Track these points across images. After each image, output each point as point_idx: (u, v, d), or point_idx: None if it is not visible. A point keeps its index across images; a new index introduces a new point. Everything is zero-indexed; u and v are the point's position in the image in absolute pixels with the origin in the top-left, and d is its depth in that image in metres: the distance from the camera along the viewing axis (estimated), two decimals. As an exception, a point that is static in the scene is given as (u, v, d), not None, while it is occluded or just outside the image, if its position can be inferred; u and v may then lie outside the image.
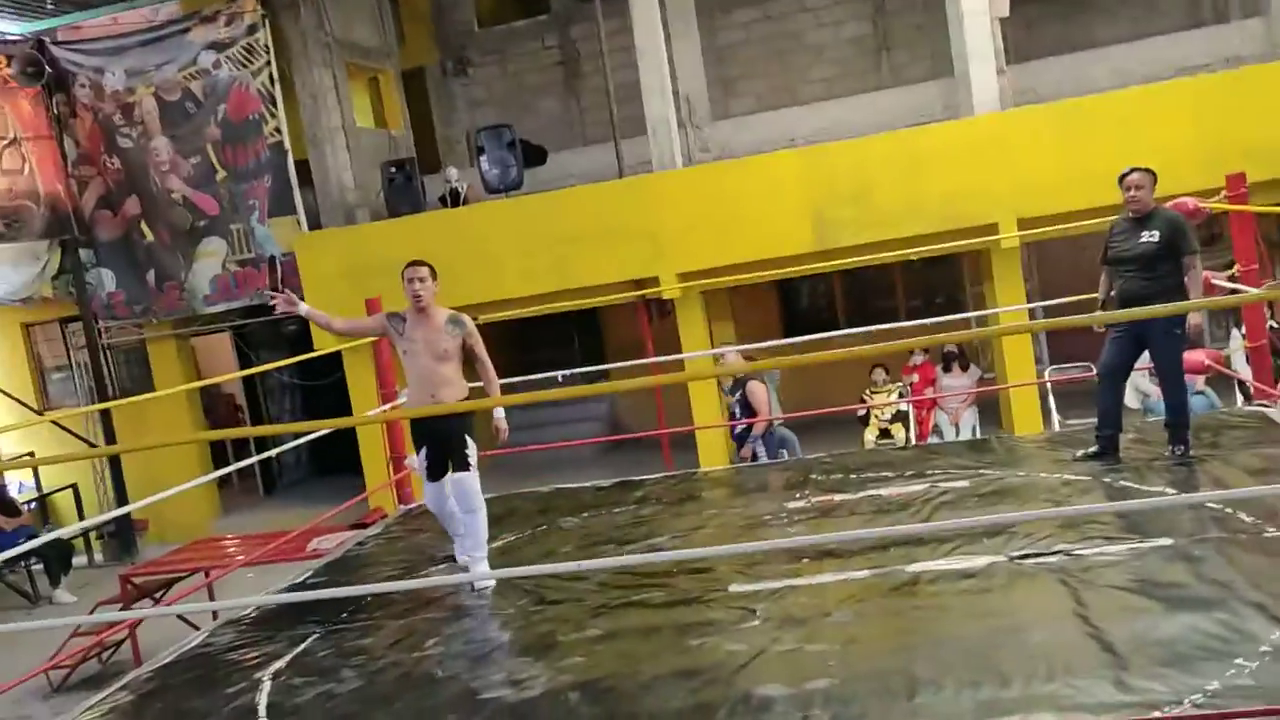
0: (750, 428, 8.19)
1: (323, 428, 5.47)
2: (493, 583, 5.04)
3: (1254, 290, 6.19)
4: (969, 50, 9.69)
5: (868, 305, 13.15)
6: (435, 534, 6.57)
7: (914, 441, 9.67)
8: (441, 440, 5.15)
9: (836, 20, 12.65)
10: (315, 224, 11.40)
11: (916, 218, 9.38)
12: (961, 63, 9.95)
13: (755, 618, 4.17)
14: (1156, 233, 5.38)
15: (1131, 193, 5.47)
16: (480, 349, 5.22)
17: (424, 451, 5.20)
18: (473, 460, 5.13)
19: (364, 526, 7.48)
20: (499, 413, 5.25)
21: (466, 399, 5.12)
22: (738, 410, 8.23)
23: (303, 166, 11.32)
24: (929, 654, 3.58)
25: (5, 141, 10.98)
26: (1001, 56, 9.90)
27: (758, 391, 8.10)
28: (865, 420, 10.21)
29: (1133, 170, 5.51)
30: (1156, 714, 2.97)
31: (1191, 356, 6.11)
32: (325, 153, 11.37)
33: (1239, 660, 3.18)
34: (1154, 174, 5.50)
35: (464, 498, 5.13)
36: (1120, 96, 9.32)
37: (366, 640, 4.61)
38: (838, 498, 5.83)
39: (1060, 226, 8.53)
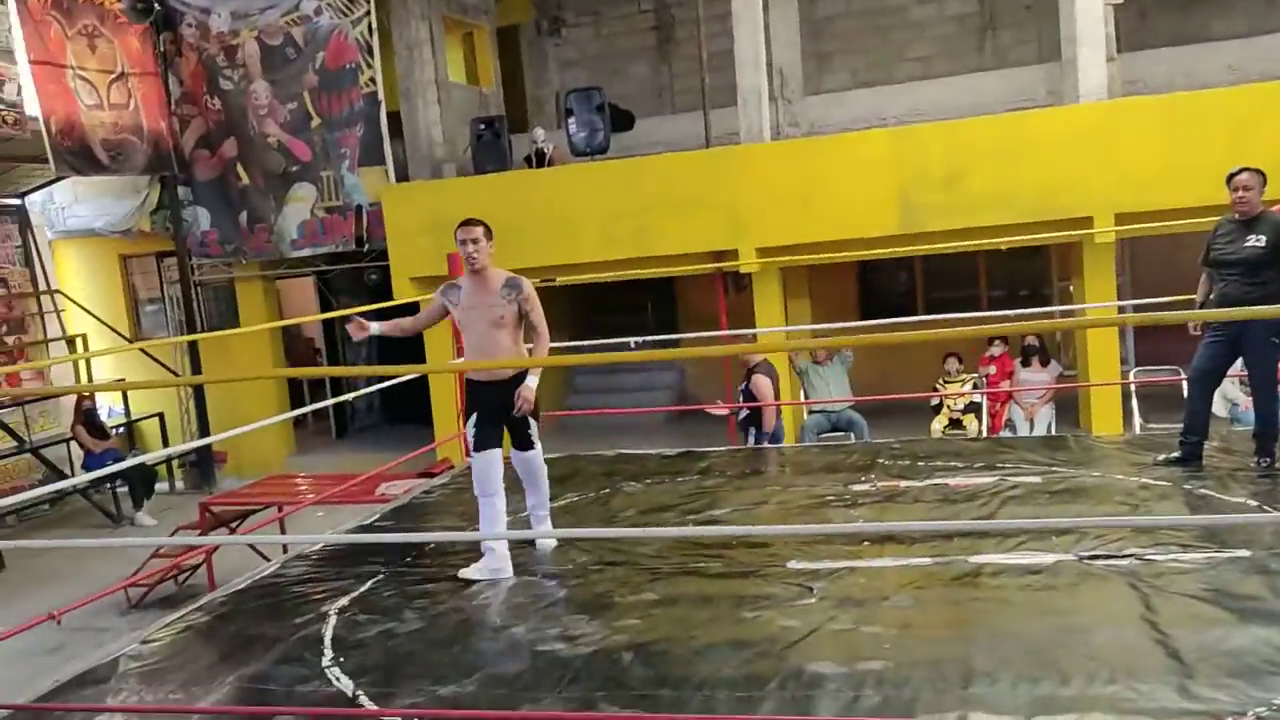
0: (750, 418, 8.10)
1: (395, 373, 5.41)
2: (554, 543, 5.06)
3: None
4: (1079, 35, 9.40)
5: (949, 293, 12.93)
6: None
7: (986, 434, 9.51)
8: (500, 413, 4.85)
9: (941, -4, 12.37)
10: (403, 176, 11.55)
11: (1008, 206, 9.16)
12: (1070, 48, 9.65)
13: (812, 596, 4.17)
14: (1263, 237, 5.19)
15: (1240, 193, 5.27)
16: (536, 315, 4.82)
17: (474, 418, 4.85)
18: (535, 437, 4.97)
19: (431, 476, 7.63)
20: (531, 382, 4.83)
21: (525, 370, 4.84)
22: (742, 399, 8.18)
23: (394, 118, 11.46)
24: (987, 646, 3.54)
25: (113, 76, 11.30)
26: (1112, 44, 9.59)
27: (761, 385, 8.07)
28: (937, 409, 10.08)
29: (1242, 170, 5.31)
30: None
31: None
32: (417, 106, 11.49)
33: (1313, 677, 3.09)
34: (1264, 175, 5.30)
35: (532, 474, 5.02)
36: (1233, 93, 8.95)
37: (428, 585, 4.71)
38: (903, 484, 5.78)
39: (1160, 224, 8.25)
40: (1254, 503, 4.87)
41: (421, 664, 3.84)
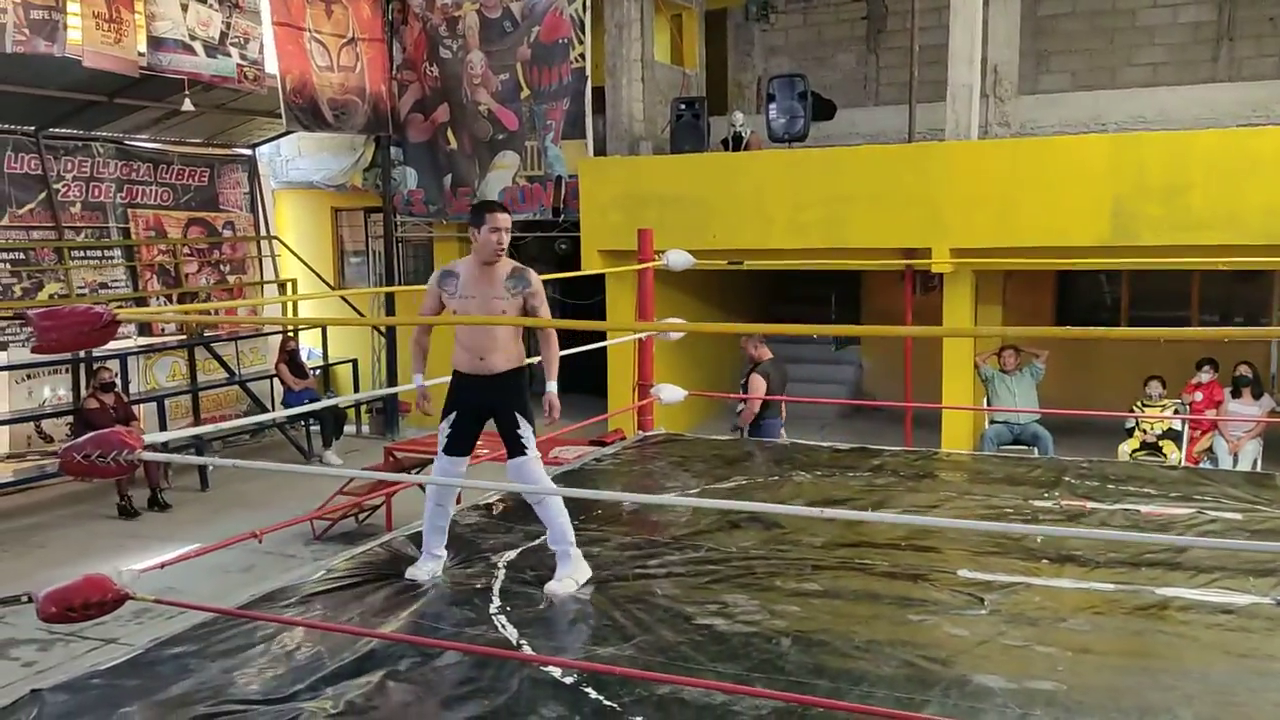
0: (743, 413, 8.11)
1: (583, 327, 5.39)
2: (572, 589, 4.26)
3: None
4: (1330, 48, 8.65)
5: (1156, 312, 12.19)
6: (668, 462, 6.77)
7: (1184, 463, 8.95)
8: (483, 413, 4.38)
9: (1177, 1, 11.63)
10: (601, 150, 11.78)
11: (1232, 226, 8.55)
12: (1317, 61, 8.91)
13: (982, 607, 4.06)
14: None
15: None
16: (545, 311, 4.38)
17: (451, 418, 4.38)
18: (528, 442, 4.32)
19: (603, 444, 7.79)
20: (552, 388, 4.43)
21: (520, 369, 4.39)
22: (741, 392, 8.15)
23: (597, 94, 11.70)
24: (1169, 681, 3.36)
25: (344, 40, 12.00)
26: (1367, 60, 8.80)
27: (754, 382, 7.99)
28: (1129, 433, 9.55)
29: None
30: None
31: None
32: (621, 83, 11.68)
33: None
34: None
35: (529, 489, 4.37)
36: None
37: (593, 549, 4.80)
38: (1090, 505, 5.52)
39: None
40: None
41: (582, 623, 3.96)
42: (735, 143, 11.17)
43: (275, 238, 13.77)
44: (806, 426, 11.83)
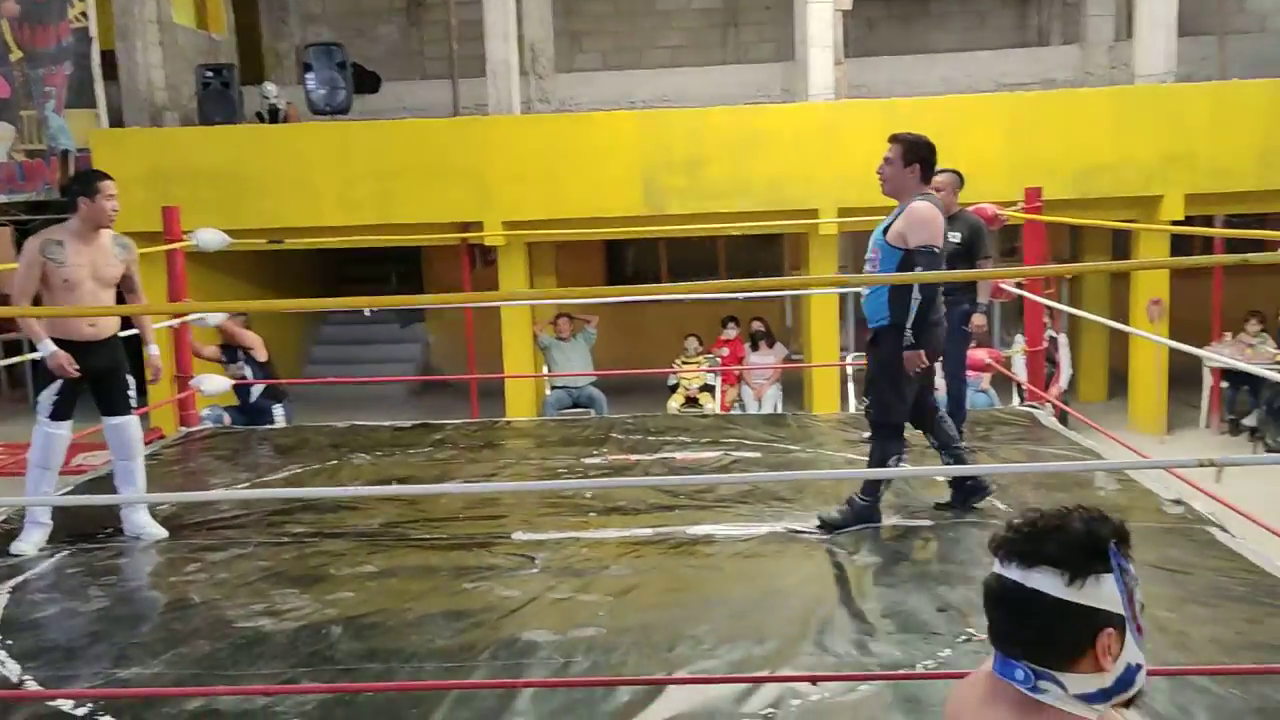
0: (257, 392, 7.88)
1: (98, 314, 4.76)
2: (163, 533, 4.61)
3: (1031, 295, 6.67)
4: (810, 37, 9.93)
5: (692, 275, 13.37)
6: (215, 457, 6.29)
7: (718, 412, 9.91)
8: (90, 377, 4.56)
9: (690, -11, 12.75)
10: (117, 121, 10.59)
11: (744, 194, 9.55)
12: (802, 49, 10.18)
13: (534, 566, 4.18)
14: (958, 234, 5.65)
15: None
16: (139, 278, 4.77)
17: (59, 385, 4.48)
18: (134, 402, 4.73)
19: (139, 445, 7.04)
20: (154, 349, 4.87)
21: (118, 332, 4.72)
22: (247, 372, 7.84)
23: (108, 58, 10.48)
24: (695, 611, 3.67)
25: None
26: (840, 49, 10.18)
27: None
28: (674, 389, 10.41)
29: (940, 172, 5.76)
30: (899, 673, 3.16)
31: (975, 355, 6.49)
32: (135, 47, 10.56)
33: (970, 629, 3.41)
34: (961, 177, 5.78)
35: (128, 444, 4.70)
36: (944, 102, 9.76)
37: (121, 560, 4.36)
38: (634, 458, 5.90)
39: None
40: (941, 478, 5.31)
41: (104, 645, 3.53)
42: (271, 115, 10.55)
43: None
44: (374, 409, 11.59)
